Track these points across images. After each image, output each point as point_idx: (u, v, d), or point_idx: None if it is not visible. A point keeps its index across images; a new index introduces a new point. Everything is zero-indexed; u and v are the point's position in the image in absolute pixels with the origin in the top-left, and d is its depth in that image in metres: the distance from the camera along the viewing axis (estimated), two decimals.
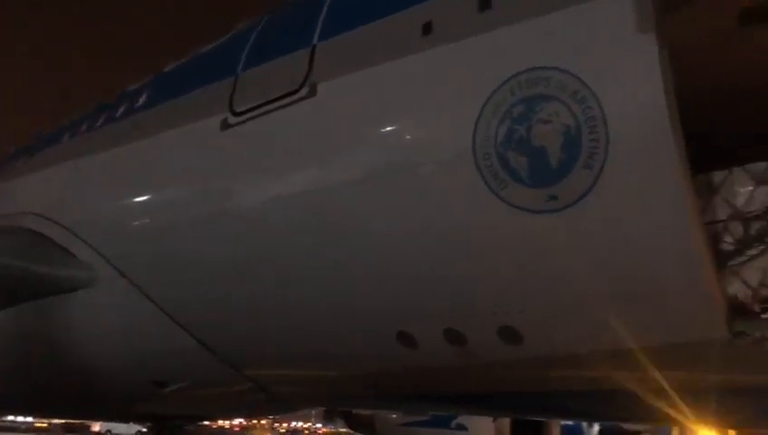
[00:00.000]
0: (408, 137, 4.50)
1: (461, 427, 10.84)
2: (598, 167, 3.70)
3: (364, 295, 4.80)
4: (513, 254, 4.16)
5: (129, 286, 5.85)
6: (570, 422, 17.07)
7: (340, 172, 4.68)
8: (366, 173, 4.58)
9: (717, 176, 4.25)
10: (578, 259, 3.98)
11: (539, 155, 3.88)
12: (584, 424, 17.90)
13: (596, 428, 18.29)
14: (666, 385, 4.26)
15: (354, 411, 13.23)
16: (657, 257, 3.73)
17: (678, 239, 3.62)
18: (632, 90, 3.59)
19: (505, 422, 10.42)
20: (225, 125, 5.36)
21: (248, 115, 5.23)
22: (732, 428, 10.08)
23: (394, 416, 11.31)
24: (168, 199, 5.81)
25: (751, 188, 4.14)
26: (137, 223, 5.92)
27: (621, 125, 3.60)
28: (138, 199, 6.00)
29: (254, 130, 5.14)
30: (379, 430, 12.15)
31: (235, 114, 5.33)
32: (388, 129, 4.56)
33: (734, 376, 4.10)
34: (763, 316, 3.83)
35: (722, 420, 6.56)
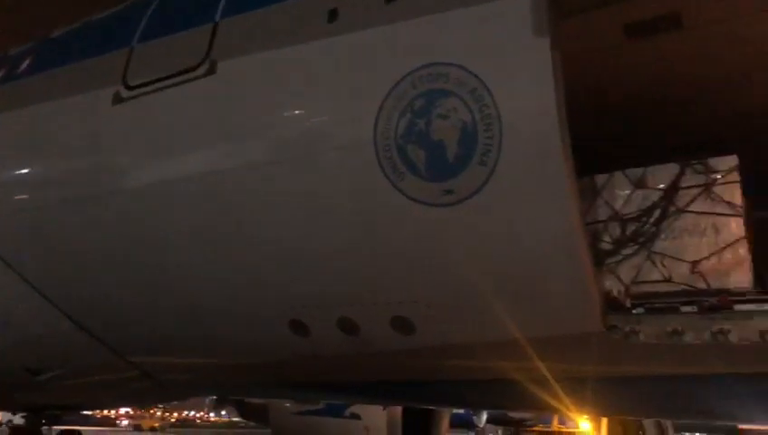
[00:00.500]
0: (308, 123, 4.45)
1: (355, 416, 10.93)
2: (491, 164, 3.82)
3: (255, 282, 4.71)
4: (408, 246, 4.23)
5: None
6: (460, 410, 17.74)
7: (236, 155, 4.55)
8: (263, 157, 4.49)
9: (600, 179, 4.45)
10: (469, 253, 4.11)
11: (436, 149, 3.96)
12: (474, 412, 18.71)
13: (484, 415, 19.13)
14: (547, 375, 4.50)
15: (247, 400, 13.03)
16: (541, 253, 3.91)
17: (562, 237, 3.81)
18: (526, 91, 3.74)
19: (397, 410, 10.62)
20: (118, 99, 5.07)
21: (142, 90, 4.97)
22: (606, 415, 10.85)
23: (288, 405, 11.23)
24: (47, 174, 5.43)
25: (629, 191, 4.36)
26: (11, 197, 5.49)
27: (514, 125, 3.74)
28: (13, 172, 5.57)
29: (147, 105, 4.90)
30: (272, 419, 12.02)
31: (129, 88, 5.05)
32: (288, 114, 4.50)
33: (608, 367, 4.37)
34: (634, 311, 4.06)
35: (597, 408, 7.04)
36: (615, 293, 4.11)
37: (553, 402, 5.25)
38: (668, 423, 11.46)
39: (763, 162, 4.06)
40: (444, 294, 4.28)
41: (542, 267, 3.96)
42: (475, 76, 3.84)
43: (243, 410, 13.95)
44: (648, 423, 10.54)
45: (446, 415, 11.15)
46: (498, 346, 4.37)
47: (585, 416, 11.14)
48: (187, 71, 4.77)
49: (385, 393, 6.57)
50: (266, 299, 4.78)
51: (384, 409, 10.28)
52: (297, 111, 4.50)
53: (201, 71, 4.69)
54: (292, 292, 4.66)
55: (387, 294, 4.41)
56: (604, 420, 10.78)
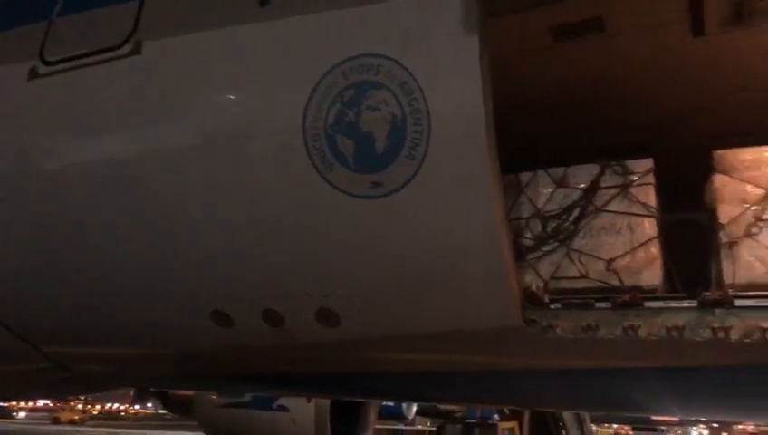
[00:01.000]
0: (236, 109, 4.35)
1: (282, 408, 10.82)
2: (419, 158, 3.84)
3: (175, 269, 4.57)
4: (335, 237, 4.20)
5: None
6: (390, 403, 17.90)
7: (159, 138, 4.40)
8: (186, 142, 4.35)
9: (524, 177, 4.57)
10: (395, 246, 4.11)
11: (366, 141, 3.94)
12: (404, 405, 18.90)
13: (414, 408, 19.37)
14: (471, 368, 4.59)
15: (170, 392, 12.69)
16: (465, 248, 3.95)
17: (485, 232, 3.86)
18: (454, 87, 3.76)
19: (325, 403, 10.60)
20: (33, 74, 4.80)
21: (61, 66, 4.72)
22: (528, 408, 11.19)
23: (214, 397, 11.01)
24: None
25: (551, 189, 4.48)
26: None
27: (442, 120, 3.76)
28: None
29: (66, 83, 4.66)
30: (197, 411, 11.76)
31: (46, 63, 4.79)
32: (215, 98, 4.38)
33: (528, 360, 4.48)
34: (552, 306, 4.18)
35: (519, 401, 7.24)
36: (534, 288, 4.21)
37: (478, 395, 5.38)
38: (586, 415, 11.95)
39: (678, 165, 4.24)
40: (369, 287, 4.28)
41: (465, 262, 4.01)
42: (406, 70, 3.84)
43: (166, 402, 13.59)
44: (568, 415, 10.95)
45: (373, 407, 11.22)
46: (422, 339, 4.40)
47: (508, 408, 11.46)
48: (110, 49, 4.56)
49: (313, 385, 6.54)
50: (187, 288, 4.65)
51: (309, 401, 10.22)
52: (225, 96, 4.38)
53: (125, 50, 4.50)
54: (214, 281, 4.55)
55: (312, 286, 4.37)
56: (526, 413, 11.13)
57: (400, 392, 7.01)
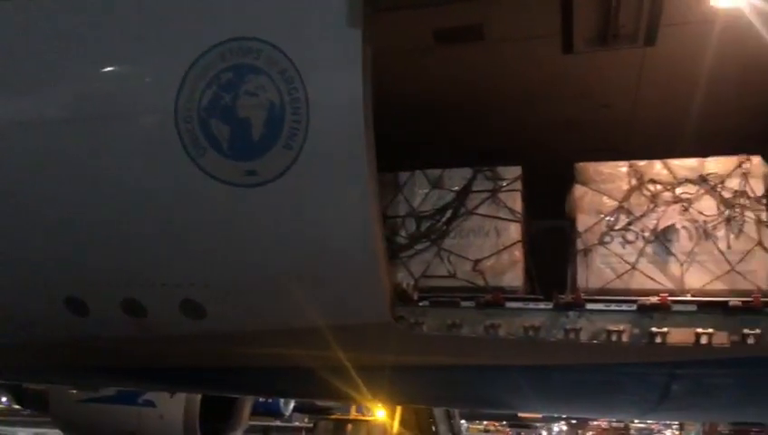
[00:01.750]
0: (102, 83, 4.06)
1: (149, 403, 10.30)
2: (297, 148, 3.77)
3: (25, 251, 4.20)
4: (204, 225, 4.03)
5: None
6: (267, 398, 17.56)
7: (19, 109, 4.03)
8: (49, 115, 4.01)
9: (403, 176, 4.62)
10: (267, 238, 4.02)
11: (242, 127, 3.81)
12: (281, 401, 18.63)
13: (291, 404, 19.15)
14: (341, 364, 4.54)
15: (24, 386, 11.73)
16: (338, 243, 3.93)
17: (359, 228, 3.86)
18: (335, 79, 3.73)
19: (195, 398, 10.21)
20: None
21: None
22: (399, 404, 11.40)
23: (73, 391, 10.27)
24: None
25: (427, 190, 4.55)
26: None
27: (322, 111, 3.71)
28: None
29: None
30: (53, 407, 10.91)
31: None
32: (82, 70, 4.08)
33: (397, 357, 4.53)
34: (420, 304, 4.24)
35: (390, 396, 7.33)
36: (405, 285, 4.25)
37: (350, 391, 5.37)
38: (455, 411, 12.38)
39: (545, 174, 4.45)
40: (237, 279, 4.15)
41: (338, 257, 3.98)
42: (287, 57, 3.75)
43: (20, 397, 12.52)
44: (438, 411, 11.26)
45: (247, 403, 10.96)
46: (292, 334, 4.33)
47: (380, 404, 11.61)
48: None
49: (179, 379, 6.27)
50: (38, 271, 4.29)
51: (171, 396, 9.77)
52: (91, 68, 4.08)
53: None
54: (68, 265, 4.22)
55: (177, 275, 4.17)
56: (398, 409, 11.32)
57: (272, 388, 6.88)
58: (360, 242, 3.89)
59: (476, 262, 4.33)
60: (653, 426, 32.69)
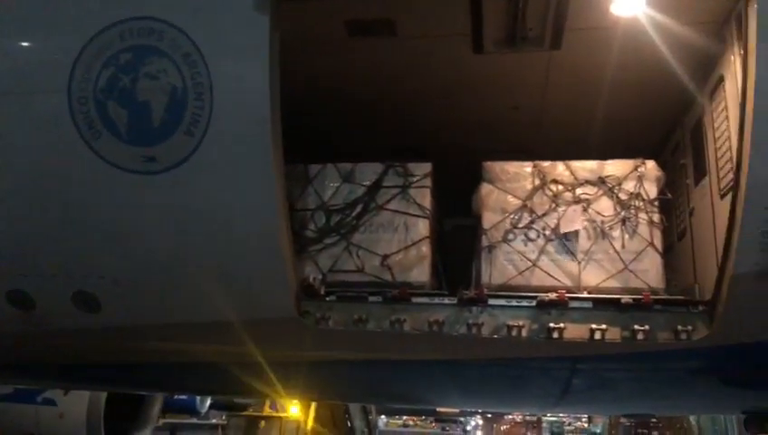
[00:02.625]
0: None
1: (48, 401, 9.73)
2: (199, 135, 3.63)
3: None
4: (98, 213, 3.81)
5: None
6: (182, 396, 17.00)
7: None
8: None
9: (313, 169, 4.58)
10: (167, 228, 3.85)
11: (141, 111, 3.63)
12: (197, 397, 18.09)
13: (208, 401, 18.63)
14: (250, 360, 4.40)
15: None
16: (242, 235, 3.81)
17: (264, 221, 3.76)
18: (241, 66, 3.61)
19: (99, 396, 9.72)
20: None
21: None
22: (312, 400, 11.29)
23: None
24: None
25: (338, 183, 4.53)
26: None
27: (226, 98, 3.59)
28: None
29: None
30: None
31: None
32: None
33: (306, 352, 4.45)
34: (327, 299, 4.20)
35: (303, 392, 7.21)
36: (312, 280, 4.19)
37: (259, 387, 5.24)
38: (371, 406, 12.39)
39: (455, 172, 4.50)
40: (134, 272, 3.95)
41: (241, 250, 3.86)
42: (191, 40, 3.60)
43: None
44: (354, 406, 11.24)
45: (155, 401, 10.54)
46: (194, 328, 4.18)
47: (294, 401, 11.47)
48: None
49: (72, 376, 5.92)
50: None
51: (65, 394, 9.27)
52: None
53: None
54: None
55: (68, 266, 3.93)
56: (312, 405, 11.21)
57: (174, 385, 6.63)
58: (264, 235, 3.79)
59: (385, 257, 4.32)
60: (564, 419, 34.06)
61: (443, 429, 33.40)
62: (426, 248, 4.35)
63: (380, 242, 4.37)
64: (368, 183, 4.48)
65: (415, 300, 4.11)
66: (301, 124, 4.57)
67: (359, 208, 4.44)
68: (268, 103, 3.56)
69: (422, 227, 4.39)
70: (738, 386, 4.52)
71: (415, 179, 4.44)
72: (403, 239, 4.36)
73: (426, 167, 4.49)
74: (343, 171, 4.52)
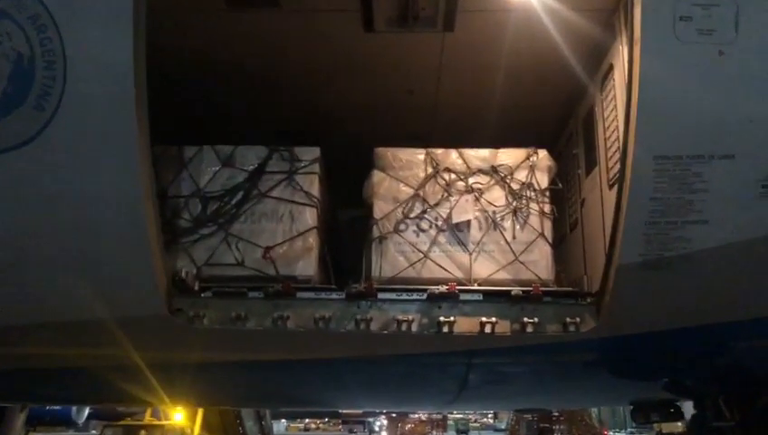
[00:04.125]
0: None
1: None
2: (50, 110, 3.36)
3: None
4: None
5: None
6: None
7: None
8: None
9: (189, 151, 4.40)
10: (13, 215, 3.54)
11: None
12: (74, 408, 17.12)
13: (86, 410, 17.67)
14: (121, 363, 4.19)
15: None
16: (102, 224, 3.58)
17: (127, 208, 3.55)
18: (100, 34, 3.34)
19: None
20: None
21: None
22: (197, 406, 10.92)
23: None
24: None
25: (216, 168, 4.37)
26: None
27: (83, 70, 3.34)
28: None
29: None
30: None
31: None
32: None
33: (180, 354, 4.26)
34: (203, 295, 4.05)
35: (186, 398, 6.94)
36: (184, 274, 4.01)
37: (135, 393, 4.98)
38: (266, 411, 12.16)
39: (346, 158, 4.45)
40: None
41: (103, 240, 3.63)
42: (40, 2, 3.31)
43: None
44: (246, 411, 10.97)
45: (16, 413, 9.81)
46: (58, 329, 3.94)
47: (178, 407, 11.07)
48: None
49: None
50: None
51: None
52: None
53: None
54: None
55: None
56: (199, 411, 10.85)
57: (38, 394, 6.20)
58: (128, 223, 3.58)
59: (267, 249, 4.21)
60: (471, 416, 35.03)
61: (350, 431, 33.48)
62: (312, 239, 4.28)
63: (263, 233, 4.26)
64: (250, 168, 4.35)
65: (300, 295, 4.04)
66: (175, 102, 4.38)
67: (239, 196, 4.31)
68: (131, 77, 3.34)
69: (309, 217, 4.32)
70: (626, 377, 4.77)
71: (302, 165, 4.37)
72: (288, 230, 4.28)
73: (314, 151, 4.42)
74: (222, 154, 4.37)
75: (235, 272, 4.19)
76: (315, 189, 4.37)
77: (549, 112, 5.12)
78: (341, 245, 4.96)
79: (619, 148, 3.79)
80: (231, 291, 4.03)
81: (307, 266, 4.25)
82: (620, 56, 3.91)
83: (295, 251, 4.25)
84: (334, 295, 4.06)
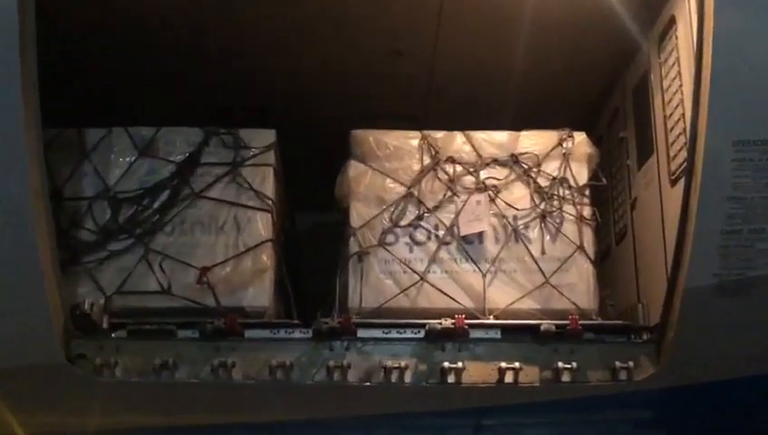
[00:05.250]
0: None
1: None
2: None
3: None
4: None
5: None
6: None
7: None
8: None
9: (93, 135, 4.36)
10: None
11: None
12: None
13: None
14: (10, 429, 4.14)
15: None
16: None
17: (9, 215, 3.53)
18: None
19: None
20: None
21: None
22: None
23: None
24: None
25: (131, 158, 4.36)
26: None
27: None
28: None
29: None
30: None
31: None
32: None
33: (83, 416, 4.18)
34: (114, 335, 4.02)
35: None
36: (89, 306, 3.96)
37: None
38: None
39: (313, 144, 4.42)
40: None
41: None
42: None
43: None
44: None
45: None
46: None
47: None
48: None
49: None
50: None
51: None
52: None
53: None
54: None
55: None
56: None
57: None
58: (9, 236, 3.56)
59: (204, 271, 4.19)
60: None
61: None
62: (266, 257, 4.27)
63: (197, 248, 4.25)
64: (178, 158, 4.35)
65: (249, 334, 4.02)
66: (76, 72, 4.42)
67: (164, 197, 4.30)
68: (15, 36, 3.34)
69: (261, 226, 4.31)
70: None
71: (251, 154, 4.37)
72: (232, 244, 4.27)
73: (267, 135, 4.43)
74: (140, 139, 4.37)
75: (158, 303, 4.16)
76: (269, 187, 4.36)
77: (586, 81, 5.16)
78: (306, 264, 4.93)
79: (685, 129, 3.80)
80: (153, 329, 3.99)
81: (259, 294, 4.23)
82: (686, 5, 3.89)
83: (242, 273, 4.23)
84: (297, 334, 4.04)
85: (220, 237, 4.28)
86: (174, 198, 4.31)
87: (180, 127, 4.41)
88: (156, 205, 4.29)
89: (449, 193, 4.35)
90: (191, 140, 4.38)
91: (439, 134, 4.45)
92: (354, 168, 4.40)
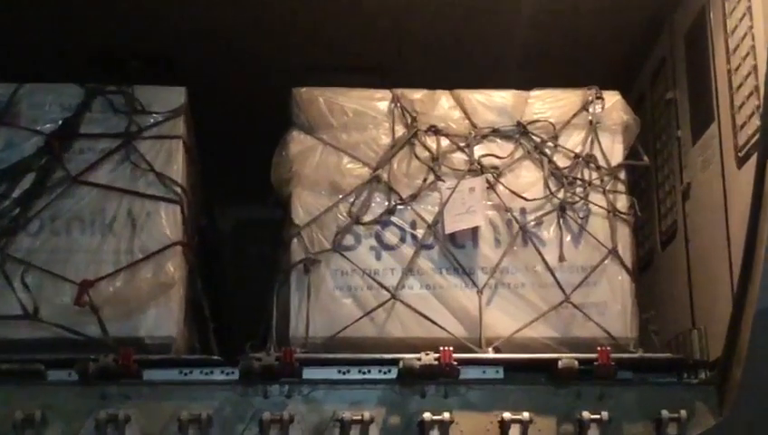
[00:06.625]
0: None
1: None
2: None
3: None
4: None
5: None
6: None
7: None
8: None
9: None
10: None
11: None
12: None
13: None
14: None
15: None
16: None
17: None
18: None
19: None
20: None
21: None
22: None
23: None
24: None
25: None
26: None
27: None
28: None
29: None
30: None
31: None
32: None
33: None
34: None
35: None
36: None
37: None
38: None
39: (238, 107, 4.47)
40: None
41: None
42: None
43: None
44: None
45: None
46: None
47: None
48: None
49: None
50: None
51: None
52: None
53: None
54: None
55: None
56: None
57: None
58: None
59: (84, 286, 4.18)
60: None
61: None
62: (174, 267, 4.30)
63: (75, 254, 4.27)
64: (48, 127, 4.38)
65: (150, 376, 4.05)
66: None
67: (27, 182, 4.31)
68: None
69: (167, 223, 4.34)
70: None
71: (151, 121, 4.41)
72: (125, 248, 4.28)
73: (175, 95, 4.49)
74: None
75: (20, 332, 4.16)
76: (178, 169, 4.41)
77: (621, 22, 5.22)
78: (230, 276, 4.96)
79: (757, 88, 3.85)
80: (14, 369, 3.99)
81: (163, 319, 4.25)
82: None
83: (140, 290, 4.25)
84: (219, 375, 4.09)
85: (108, 239, 4.29)
86: (41, 183, 4.31)
87: (51, 84, 4.45)
88: (15, 193, 4.30)
89: (431, 177, 4.38)
90: (66, 101, 4.41)
91: (417, 94, 4.51)
92: (297, 141, 4.44)
